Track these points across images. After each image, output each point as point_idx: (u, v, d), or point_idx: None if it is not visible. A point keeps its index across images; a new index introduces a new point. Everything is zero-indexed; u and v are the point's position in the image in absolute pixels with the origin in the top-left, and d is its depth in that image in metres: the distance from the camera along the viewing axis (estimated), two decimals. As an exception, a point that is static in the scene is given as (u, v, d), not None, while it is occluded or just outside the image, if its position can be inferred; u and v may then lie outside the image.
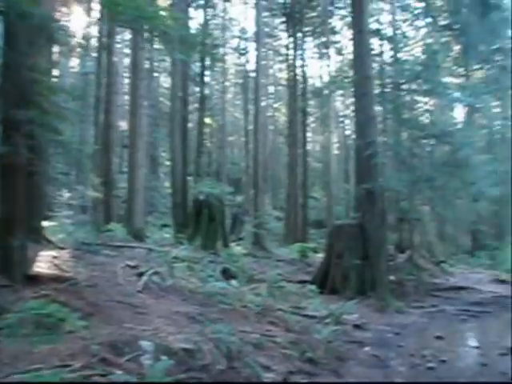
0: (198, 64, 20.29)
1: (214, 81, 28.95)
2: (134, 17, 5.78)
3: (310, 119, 29.31)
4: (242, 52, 28.09)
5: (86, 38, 22.17)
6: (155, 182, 26.21)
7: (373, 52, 12.75)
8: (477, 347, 5.79)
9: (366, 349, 5.51)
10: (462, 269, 14.12)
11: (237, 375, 3.88)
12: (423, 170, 9.80)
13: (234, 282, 7.14)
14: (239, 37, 27.99)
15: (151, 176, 25.33)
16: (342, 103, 31.15)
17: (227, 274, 8.00)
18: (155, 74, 28.89)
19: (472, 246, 20.23)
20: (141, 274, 6.54)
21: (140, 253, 9.02)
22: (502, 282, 11.09)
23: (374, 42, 14.40)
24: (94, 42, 22.23)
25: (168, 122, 20.13)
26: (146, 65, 20.73)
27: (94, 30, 21.20)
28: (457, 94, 12.65)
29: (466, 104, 14.74)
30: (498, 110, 21.02)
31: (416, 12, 15.76)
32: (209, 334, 4.27)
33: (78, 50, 21.23)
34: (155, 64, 27.12)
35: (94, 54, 19.97)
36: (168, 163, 22.28)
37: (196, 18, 22.25)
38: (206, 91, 22.83)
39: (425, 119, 11.94)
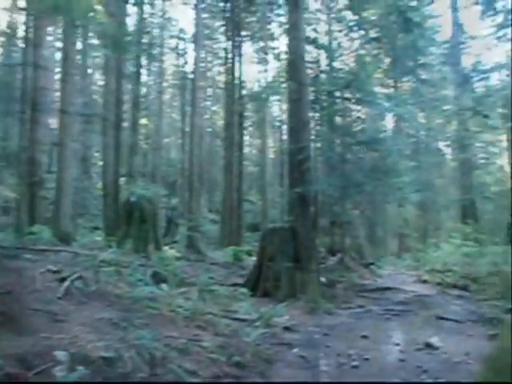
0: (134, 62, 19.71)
1: (152, 81, 28.33)
2: (52, 6, 5.43)
3: (247, 123, 29.51)
4: (180, 53, 27.75)
5: (12, 26, 20.79)
6: (87, 182, 25.10)
7: (310, 59, 13.05)
8: (397, 344, 6.07)
9: (295, 350, 5.56)
10: (389, 270, 14.84)
11: (159, 382, 3.75)
12: (354, 176, 10.16)
13: (163, 286, 6.93)
14: (178, 37, 27.64)
15: (83, 176, 24.24)
16: (279, 108, 31.70)
17: (157, 278, 7.74)
18: (89, 71, 27.74)
19: (399, 249, 21.37)
20: (63, 280, 6.13)
21: (65, 257, 8.50)
22: (424, 282, 11.79)
23: (312, 51, 14.73)
24: (21, 32, 20.95)
25: (101, 120, 19.37)
26: (79, 61, 19.86)
27: (22, 19, 20.01)
28: (386, 104, 13.29)
29: (394, 113, 15.56)
30: (423, 120, 22.43)
31: (350, 24, 16.41)
32: (131, 341, 4.08)
33: (1, 38, 19.82)
34: (89, 60, 26.05)
35: (22, 45, 18.79)
36: (100, 163, 21.42)
37: (133, 15, 21.62)
38: (143, 90, 22.24)
39: (356, 126, 12.39)
